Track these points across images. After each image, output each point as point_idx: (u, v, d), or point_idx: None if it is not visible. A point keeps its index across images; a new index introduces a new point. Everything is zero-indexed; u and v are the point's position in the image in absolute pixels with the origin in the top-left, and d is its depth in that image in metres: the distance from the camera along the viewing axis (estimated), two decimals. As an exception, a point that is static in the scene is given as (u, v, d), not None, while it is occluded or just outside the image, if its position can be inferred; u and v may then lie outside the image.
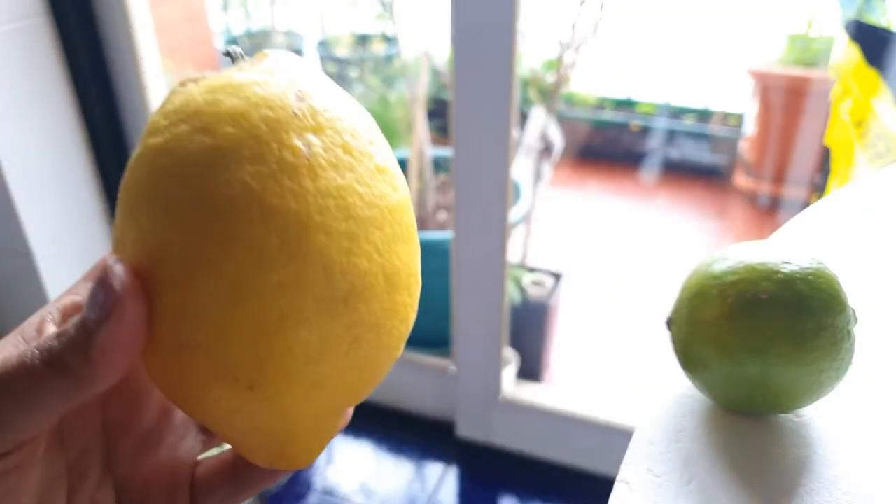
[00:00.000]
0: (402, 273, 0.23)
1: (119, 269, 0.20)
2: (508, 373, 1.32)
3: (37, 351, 0.20)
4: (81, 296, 0.24)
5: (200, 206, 0.20)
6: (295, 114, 0.21)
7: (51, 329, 0.23)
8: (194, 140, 0.21)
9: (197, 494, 0.26)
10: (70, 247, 1.16)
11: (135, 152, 0.22)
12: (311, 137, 0.21)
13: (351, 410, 0.26)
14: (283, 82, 0.22)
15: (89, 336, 0.19)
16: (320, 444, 0.24)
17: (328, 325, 0.21)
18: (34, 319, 0.23)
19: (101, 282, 0.20)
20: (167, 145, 0.21)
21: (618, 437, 1.22)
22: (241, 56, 0.23)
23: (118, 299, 0.19)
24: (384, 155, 0.23)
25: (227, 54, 0.23)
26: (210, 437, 0.28)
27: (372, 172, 0.22)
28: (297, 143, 0.21)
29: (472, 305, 1.22)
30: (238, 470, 0.26)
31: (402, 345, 0.24)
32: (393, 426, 1.41)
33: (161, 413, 0.27)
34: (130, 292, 0.20)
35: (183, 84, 0.23)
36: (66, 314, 0.24)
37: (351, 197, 0.21)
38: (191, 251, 0.20)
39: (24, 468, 0.21)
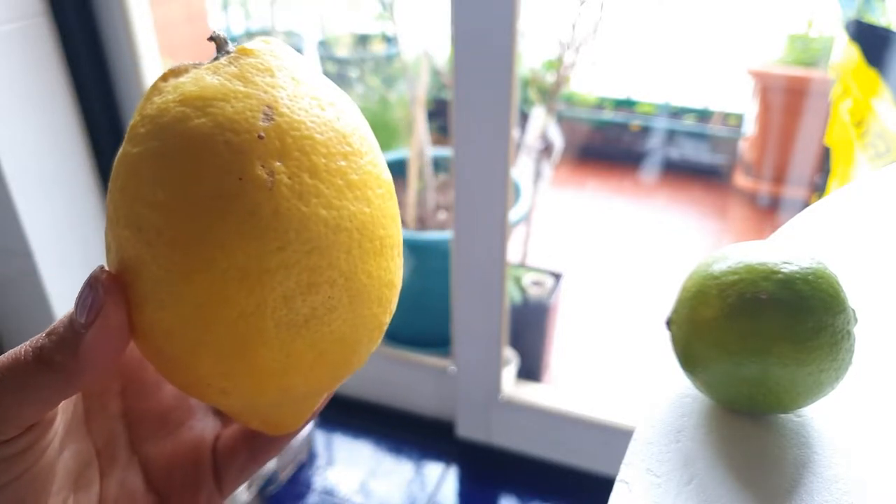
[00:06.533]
0: (369, 288, 0.23)
1: (104, 276, 0.22)
2: (508, 373, 1.32)
3: (29, 348, 0.22)
4: None
5: (165, 235, 0.20)
6: (260, 137, 0.21)
7: None
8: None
9: (219, 466, 0.28)
10: (70, 247, 1.16)
11: (119, 150, 0.22)
12: (276, 164, 0.21)
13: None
14: (254, 94, 0.21)
15: (77, 337, 0.21)
16: (302, 417, 0.26)
17: (291, 345, 0.21)
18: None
19: (89, 287, 0.22)
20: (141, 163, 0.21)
21: (618, 437, 1.22)
22: (226, 43, 0.23)
23: (103, 304, 0.21)
24: (362, 163, 0.23)
25: (212, 39, 0.23)
26: (226, 417, 0.30)
27: (341, 191, 0.22)
28: (260, 172, 0.20)
29: (472, 305, 1.22)
30: (251, 438, 0.28)
31: (375, 341, 0.25)
32: (393, 426, 1.41)
33: (177, 398, 0.29)
34: (114, 299, 0.22)
35: (164, 79, 0.22)
36: None
37: (315, 226, 0.21)
38: (159, 275, 0.21)
39: (41, 449, 0.23)
